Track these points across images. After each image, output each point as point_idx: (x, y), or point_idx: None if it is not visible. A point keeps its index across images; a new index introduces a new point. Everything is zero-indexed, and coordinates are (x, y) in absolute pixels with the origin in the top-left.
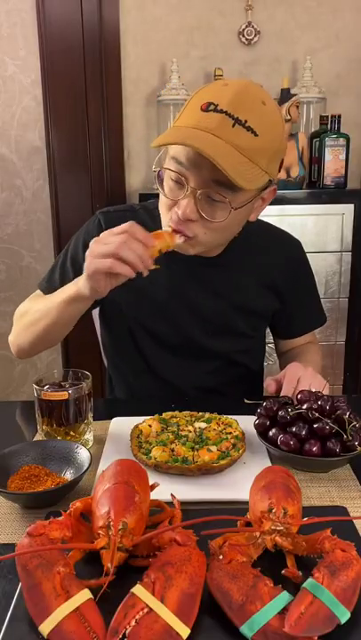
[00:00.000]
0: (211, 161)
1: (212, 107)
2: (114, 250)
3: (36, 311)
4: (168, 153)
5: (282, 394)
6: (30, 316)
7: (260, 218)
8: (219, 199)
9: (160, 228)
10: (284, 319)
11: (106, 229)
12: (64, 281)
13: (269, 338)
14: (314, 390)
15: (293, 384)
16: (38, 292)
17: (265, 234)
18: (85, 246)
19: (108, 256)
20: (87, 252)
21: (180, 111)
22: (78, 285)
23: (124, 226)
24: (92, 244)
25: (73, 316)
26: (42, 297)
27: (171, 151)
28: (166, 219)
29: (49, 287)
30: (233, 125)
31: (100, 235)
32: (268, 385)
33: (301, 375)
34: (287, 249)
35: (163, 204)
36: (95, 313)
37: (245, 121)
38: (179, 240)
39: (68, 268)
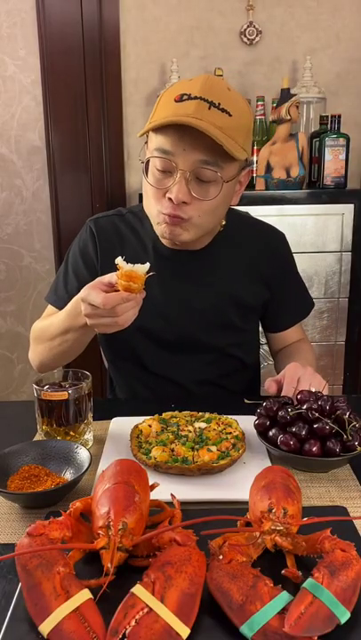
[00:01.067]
0: (195, 142)
1: (185, 96)
2: (115, 322)
3: (52, 335)
4: (150, 146)
5: (283, 394)
6: (48, 340)
7: (243, 212)
8: (208, 178)
9: (149, 230)
10: (273, 310)
11: (97, 236)
12: (70, 291)
13: (263, 339)
14: (314, 390)
15: (294, 384)
16: (50, 307)
17: (248, 226)
18: (83, 255)
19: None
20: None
21: (153, 110)
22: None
23: (110, 301)
24: (85, 312)
25: (89, 337)
26: (55, 315)
27: (153, 144)
28: (156, 210)
29: (58, 300)
30: (209, 108)
31: (83, 300)
32: (269, 386)
33: (301, 375)
34: (270, 240)
35: (150, 196)
36: None
37: (219, 103)
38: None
39: (71, 279)
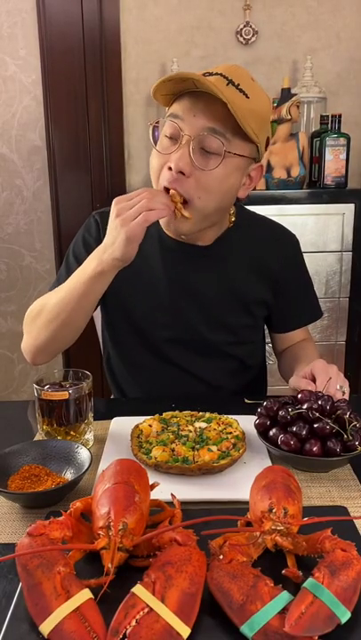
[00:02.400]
0: (206, 109)
1: (207, 74)
2: (146, 204)
3: (55, 305)
4: (165, 115)
5: (318, 389)
6: (48, 312)
7: (256, 211)
8: (213, 148)
9: (155, 224)
10: (279, 312)
11: (102, 227)
12: None
13: (268, 338)
14: (343, 391)
15: (326, 379)
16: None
17: (260, 225)
18: (86, 245)
19: (141, 212)
20: (115, 221)
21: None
22: (102, 259)
23: (139, 190)
24: (115, 213)
25: (96, 296)
26: (53, 292)
27: (169, 112)
28: (156, 184)
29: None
30: (227, 84)
31: (118, 203)
32: (298, 382)
33: (332, 372)
34: (284, 241)
35: (154, 168)
36: (96, 314)
37: (238, 84)
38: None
39: (74, 268)
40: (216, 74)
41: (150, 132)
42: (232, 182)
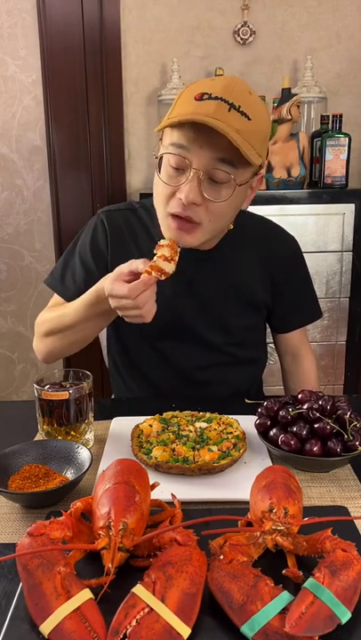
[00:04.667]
0: (211, 140)
1: (205, 96)
2: (143, 314)
3: (69, 325)
4: (165, 142)
5: None
6: (62, 330)
7: (256, 211)
8: (221, 179)
9: (157, 225)
10: (280, 312)
11: (109, 229)
12: (77, 282)
13: (269, 337)
14: None
15: None
16: (56, 297)
17: (259, 226)
18: (93, 246)
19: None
20: (115, 310)
21: (171, 106)
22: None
23: (125, 293)
24: (114, 305)
25: (110, 320)
26: (65, 305)
27: (168, 139)
28: (164, 209)
29: (65, 290)
30: (229, 110)
31: (113, 298)
32: None
33: None
34: (283, 243)
35: (160, 194)
36: None
37: (239, 106)
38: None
39: (78, 270)
40: (216, 97)
41: (157, 166)
42: (239, 202)
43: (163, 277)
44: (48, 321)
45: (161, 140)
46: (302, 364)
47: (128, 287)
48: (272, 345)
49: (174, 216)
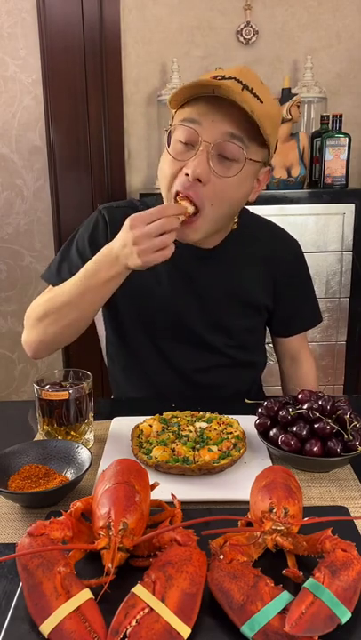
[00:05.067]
0: (224, 115)
1: (219, 77)
2: (167, 240)
3: (64, 304)
4: (176, 119)
5: None
6: (57, 311)
7: (256, 211)
8: (231, 154)
9: None
10: (280, 315)
11: (110, 224)
12: (72, 273)
13: (268, 338)
14: None
15: None
16: (50, 288)
17: (263, 228)
18: (92, 241)
19: (160, 248)
20: (133, 248)
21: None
22: (115, 265)
23: (154, 212)
24: (132, 240)
25: (110, 294)
26: (62, 285)
27: (180, 116)
28: (168, 192)
29: (60, 281)
30: (242, 89)
31: (134, 228)
32: None
33: None
34: (286, 246)
35: (166, 173)
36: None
37: (252, 88)
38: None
39: (77, 263)
40: (230, 78)
41: (165, 137)
42: (245, 189)
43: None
44: (40, 305)
45: (171, 126)
46: (301, 368)
47: (158, 208)
48: (271, 345)
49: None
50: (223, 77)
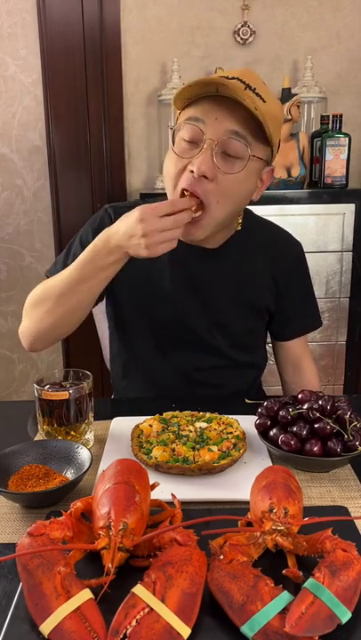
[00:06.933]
0: (227, 113)
1: (223, 77)
2: (176, 234)
3: (62, 289)
4: (180, 119)
5: None
6: (55, 297)
7: (256, 212)
8: (235, 151)
9: None
10: (280, 318)
11: (115, 220)
12: None
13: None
14: None
15: None
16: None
17: (266, 230)
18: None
19: (169, 240)
20: (140, 240)
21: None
22: (120, 251)
23: (166, 206)
24: (142, 231)
25: (108, 280)
26: (61, 272)
27: (184, 116)
28: (173, 190)
29: None
30: (245, 89)
31: (144, 221)
32: None
33: None
34: (289, 248)
35: (171, 172)
36: (97, 313)
37: (255, 88)
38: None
39: (78, 254)
40: (233, 78)
41: (170, 136)
42: (249, 186)
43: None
44: (39, 290)
45: (174, 129)
46: (305, 376)
47: (170, 201)
48: (272, 345)
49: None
50: (226, 77)
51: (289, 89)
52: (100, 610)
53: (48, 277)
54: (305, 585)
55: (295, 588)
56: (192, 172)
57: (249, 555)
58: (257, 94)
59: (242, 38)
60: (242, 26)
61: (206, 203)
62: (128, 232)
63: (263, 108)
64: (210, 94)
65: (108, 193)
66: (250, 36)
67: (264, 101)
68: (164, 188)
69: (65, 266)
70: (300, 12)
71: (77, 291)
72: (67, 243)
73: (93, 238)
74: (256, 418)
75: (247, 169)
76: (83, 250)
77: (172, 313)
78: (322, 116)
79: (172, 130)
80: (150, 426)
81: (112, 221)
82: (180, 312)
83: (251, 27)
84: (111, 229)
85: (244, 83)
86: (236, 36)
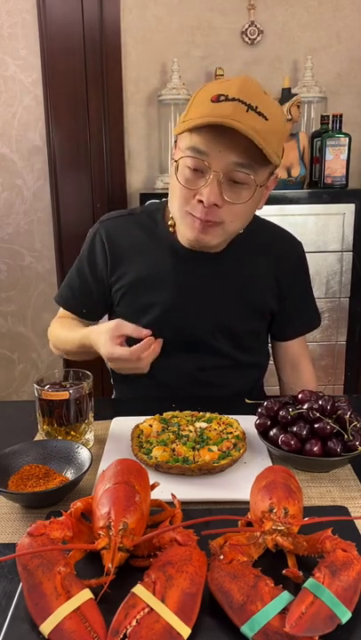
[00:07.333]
0: (230, 143)
1: (222, 97)
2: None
3: (73, 349)
4: (181, 145)
5: None
6: (66, 347)
7: (262, 217)
8: (241, 180)
9: (164, 229)
10: (280, 318)
11: (107, 242)
12: (72, 289)
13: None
14: None
15: None
16: (61, 311)
17: (268, 231)
18: (90, 263)
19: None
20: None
21: (186, 109)
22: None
23: (126, 356)
24: (111, 365)
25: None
26: (69, 330)
27: (186, 143)
28: (183, 210)
29: (61, 298)
30: (247, 111)
31: (112, 361)
32: None
33: None
34: (291, 248)
35: (178, 197)
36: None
37: (256, 107)
38: None
39: (74, 279)
40: (233, 99)
41: (174, 168)
42: (257, 202)
43: None
44: (54, 336)
45: (176, 142)
46: (304, 376)
47: (130, 350)
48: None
49: (196, 218)
50: (227, 98)
51: (289, 89)
52: (100, 610)
53: (57, 302)
54: (305, 585)
55: (295, 587)
56: (201, 201)
57: (249, 555)
58: (259, 113)
59: (250, 38)
60: (249, 25)
61: (221, 222)
62: (105, 356)
63: (265, 127)
64: (211, 123)
65: (108, 193)
66: (258, 35)
67: (266, 119)
68: (163, 188)
69: (62, 294)
70: (301, 12)
71: (82, 353)
72: (67, 243)
73: (88, 264)
74: (256, 418)
75: (254, 195)
76: (78, 274)
77: (174, 316)
78: (322, 116)
79: (175, 161)
80: (150, 426)
81: (103, 243)
82: (182, 315)
83: (258, 26)
84: (97, 341)
85: (245, 104)
86: (244, 36)
